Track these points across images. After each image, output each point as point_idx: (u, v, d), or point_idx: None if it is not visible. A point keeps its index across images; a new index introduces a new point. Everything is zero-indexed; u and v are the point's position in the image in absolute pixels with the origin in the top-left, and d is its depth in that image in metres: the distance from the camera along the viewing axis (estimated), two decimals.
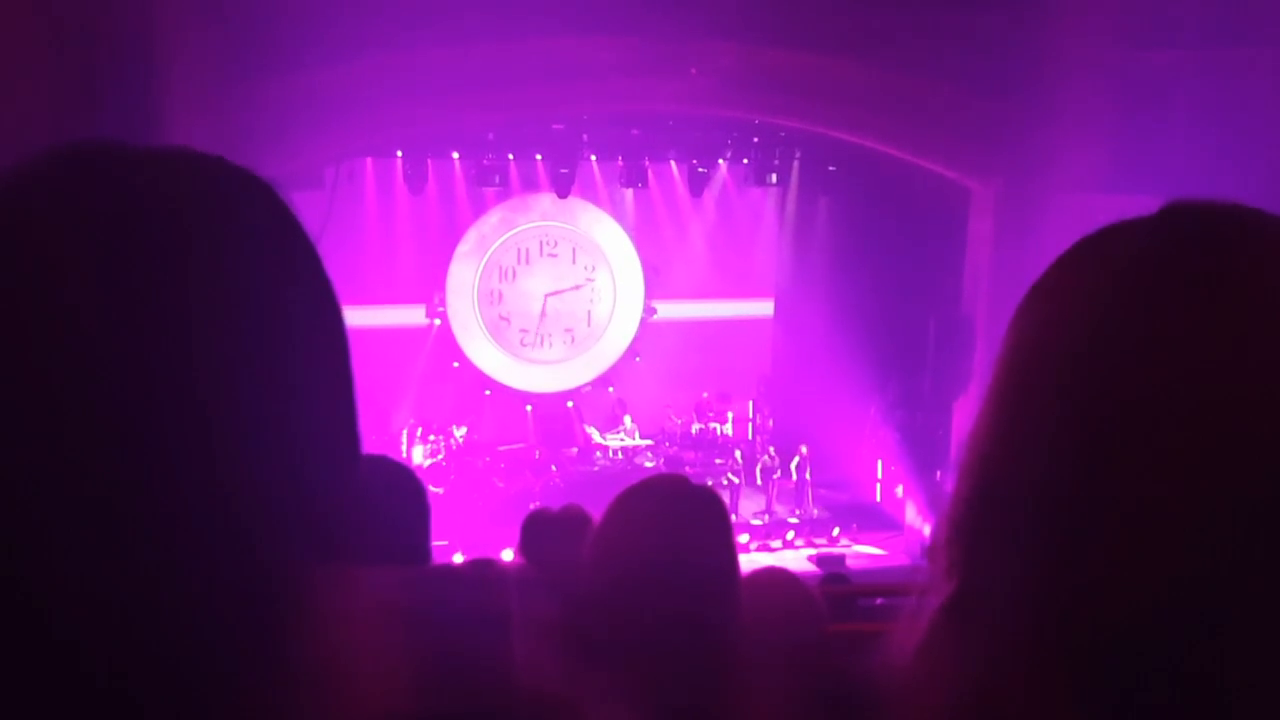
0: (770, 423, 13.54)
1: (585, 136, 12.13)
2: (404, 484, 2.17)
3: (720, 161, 13.17)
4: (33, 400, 0.55)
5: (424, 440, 12.11)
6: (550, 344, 13.63)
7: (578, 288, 13.60)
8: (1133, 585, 0.56)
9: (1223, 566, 0.54)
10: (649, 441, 13.18)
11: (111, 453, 0.55)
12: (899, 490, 11.68)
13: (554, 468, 12.66)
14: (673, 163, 13.14)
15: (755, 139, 12.52)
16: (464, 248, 13.20)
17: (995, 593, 0.62)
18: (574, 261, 13.59)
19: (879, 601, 5.46)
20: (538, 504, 5.04)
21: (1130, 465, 0.57)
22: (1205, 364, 0.57)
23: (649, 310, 13.85)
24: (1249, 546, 0.54)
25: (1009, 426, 0.64)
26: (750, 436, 13.64)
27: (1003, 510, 0.62)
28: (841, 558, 10.61)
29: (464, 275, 13.25)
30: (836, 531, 11.64)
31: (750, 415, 13.81)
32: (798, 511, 12.13)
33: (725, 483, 11.90)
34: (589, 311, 13.72)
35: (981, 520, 0.64)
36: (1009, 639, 0.60)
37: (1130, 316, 0.60)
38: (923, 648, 0.65)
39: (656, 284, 13.79)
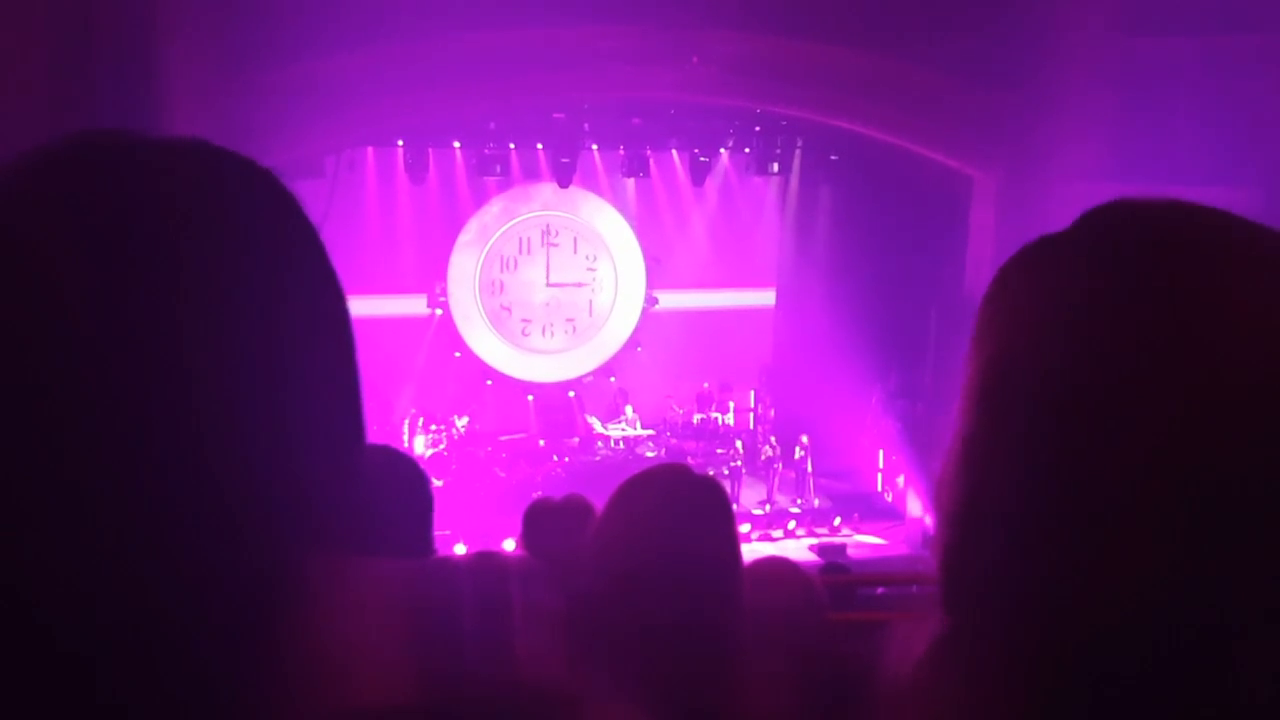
0: (772, 412, 13.54)
1: (586, 125, 12.11)
2: (407, 474, 2.17)
3: (722, 150, 13.14)
4: (24, 389, 0.54)
5: (425, 430, 12.12)
6: (551, 333, 13.64)
7: (580, 285, 13.59)
8: (1118, 602, 0.55)
9: (1206, 576, 0.54)
10: (650, 431, 13.18)
11: (106, 442, 0.55)
12: (900, 480, 11.70)
13: (555, 458, 12.68)
14: (674, 152, 13.12)
15: (757, 128, 12.50)
16: (465, 237, 13.19)
17: (984, 624, 0.61)
18: (575, 251, 13.58)
19: (880, 591, 5.48)
20: (539, 494, 5.04)
21: (1094, 484, 0.56)
22: (1148, 371, 0.56)
23: (650, 300, 13.84)
24: (1227, 551, 0.54)
25: (978, 453, 0.63)
26: (752, 426, 13.64)
27: (984, 539, 0.61)
28: (842, 547, 10.63)
29: (465, 265, 13.25)
30: (838, 521, 11.66)
31: (752, 405, 13.81)
32: (799, 501, 12.15)
33: (726, 472, 11.90)
34: (590, 301, 13.72)
35: (965, 549, 0.63)
36: (999, 666, 0.59)
37: (1069, 338, 0.59)
38: (919, 665, 0.64)
39: (658, 273, 13.78)
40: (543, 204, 13.31)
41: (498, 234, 13.29)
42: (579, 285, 13.59)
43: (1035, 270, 0.65)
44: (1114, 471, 0.56)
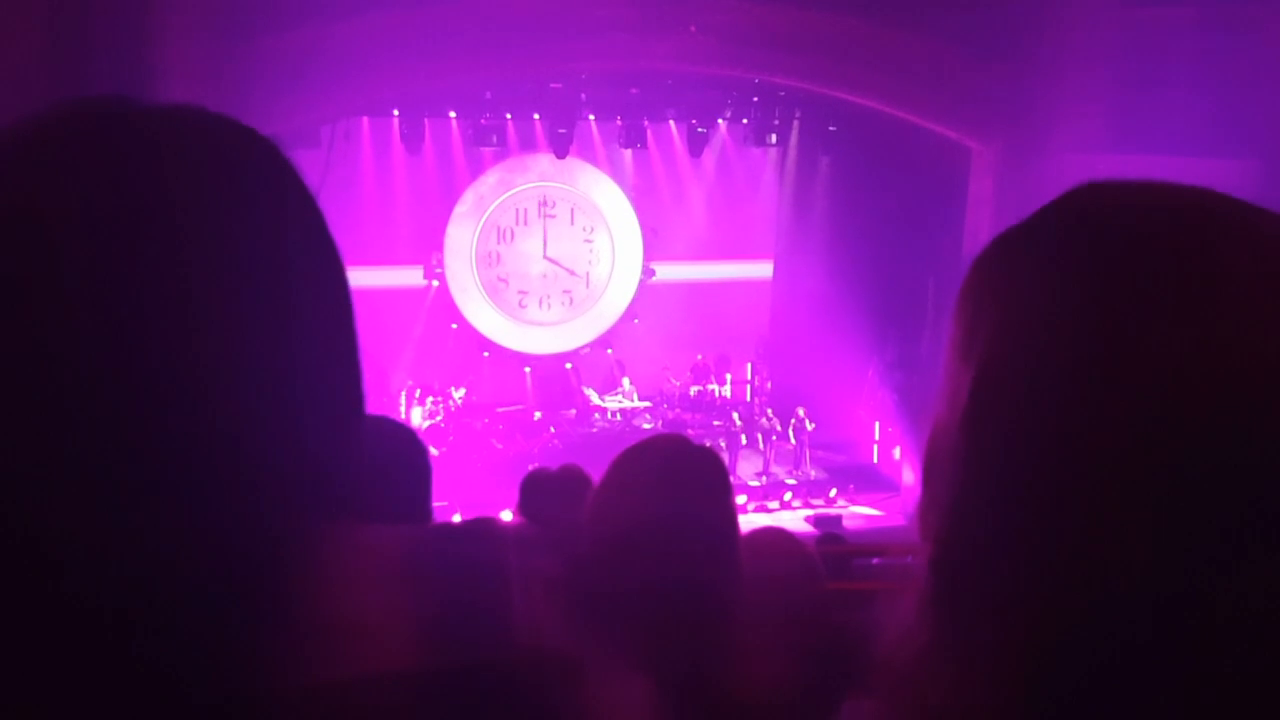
0: (768, 384, 13.56)
1: (583, 95, 12.03)
2: (406, 444, 2.17)
3: (719, 121, 13.07)
4: (22, 357, 0.54)
5: (422, 402, 12.12)
6: (549, 305, 13.62)
7: (573, 274, 13.55)
8: (1103, 584, 0.55)
9: (1191, 560, 0.54)
10: (647, 403, 13.20)
11: (105, 412, 0.55)
12: (896, 451, 11.73)
13: (552, 429, 12.69)
14: (671, 123, 13.05)
15: (755, 98, 12.42)
16: (462, 208, 13.14)
17: (972, 607, 0.61)
18: (572, 223, 13.54)
19: (875, 561, 5.51)
20: (536, 465, 5.05)
21: (1077, 473, 0.56)
22: (1124, 358, 0.56)
23: (648, 272, 13.82)
24: (1212, 537, 0.54)
25: (968, 439, 0.63)
26: (748, 398, 13.66)
27: (974, 516, 0.62)
28: (838, 518, 10.66)
29: (462, 236, 13.20)
30: (834, 492, 11.70)
31: (748, 377, 13.82)
32: (795, 472, 12.18)
33: (723, 444, 11.93)
34: (587, 273, 13.70)
35: (957, 533, 0.63)
36: (986, 644, 0.60)
37: (1049, 333, 0.59)
38: (907, 634, 0.64)
39: (655, 245, 13.75)
40: (540, 175, 13.25)
41: (494, 205, 13.24)
42: (572, 274, 13.54)
43: (1013, 264, 0.65)
44: (1094, 461, 0.56)
